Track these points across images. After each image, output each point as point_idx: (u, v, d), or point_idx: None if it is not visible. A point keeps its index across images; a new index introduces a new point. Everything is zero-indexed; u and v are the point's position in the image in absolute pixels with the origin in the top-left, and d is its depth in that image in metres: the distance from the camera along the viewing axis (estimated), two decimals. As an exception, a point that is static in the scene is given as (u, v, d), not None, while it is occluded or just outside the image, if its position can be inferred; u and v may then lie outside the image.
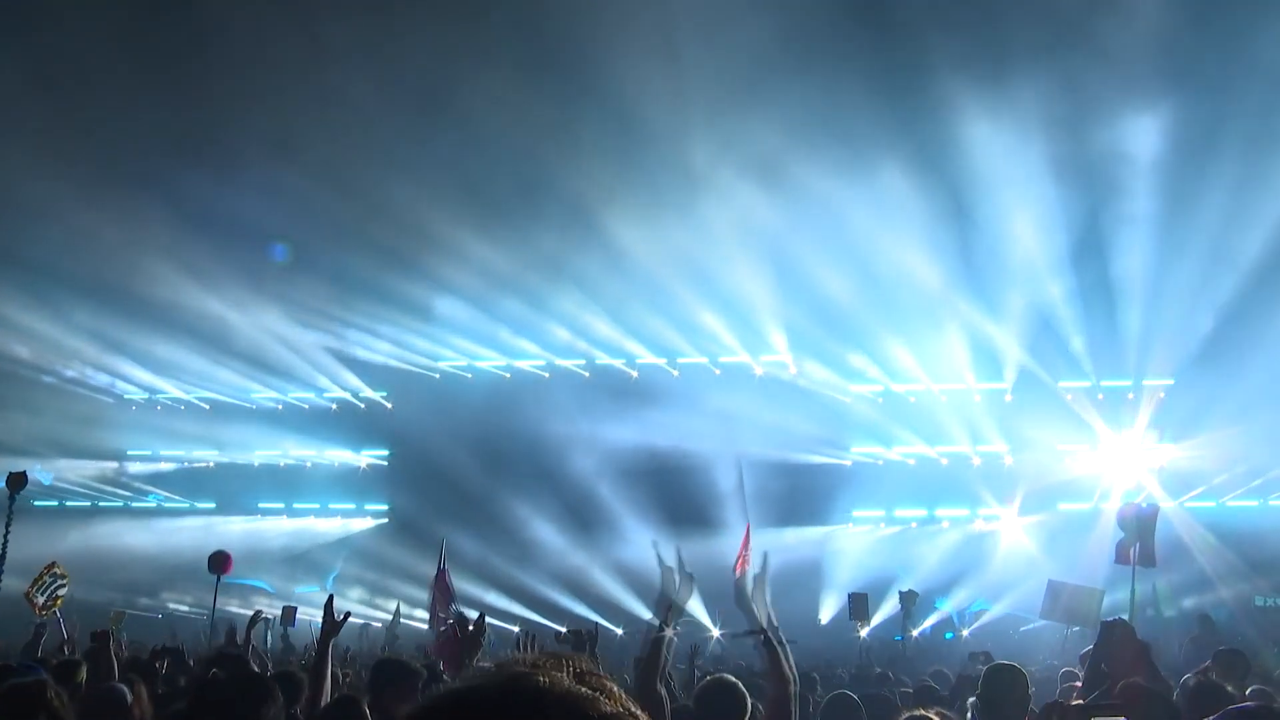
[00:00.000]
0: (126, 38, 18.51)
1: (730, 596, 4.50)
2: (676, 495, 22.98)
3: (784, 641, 4.28)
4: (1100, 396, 24.35)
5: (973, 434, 25.07)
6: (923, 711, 4.53)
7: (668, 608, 4.35)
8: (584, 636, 5.95)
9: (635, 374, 26.58)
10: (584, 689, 1.14)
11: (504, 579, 23.34)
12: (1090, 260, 21.97)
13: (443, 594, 12.48)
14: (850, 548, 24.15)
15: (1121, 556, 10.43)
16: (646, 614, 19.64)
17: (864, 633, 16.72)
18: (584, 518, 23.76)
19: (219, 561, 12.18)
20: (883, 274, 22.24)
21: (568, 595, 23.12)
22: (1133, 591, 10.21)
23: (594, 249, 22.40)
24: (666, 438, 23.59)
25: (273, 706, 3.38)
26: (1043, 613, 12.97)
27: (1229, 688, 5.62)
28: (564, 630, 9.88)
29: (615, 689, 1.18)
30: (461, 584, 18.94)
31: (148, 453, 29.91)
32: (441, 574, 12.76)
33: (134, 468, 29.83)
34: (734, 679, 4.43)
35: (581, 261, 23.02)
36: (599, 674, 1.20)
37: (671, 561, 4.38)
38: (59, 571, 9.87)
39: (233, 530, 26.88)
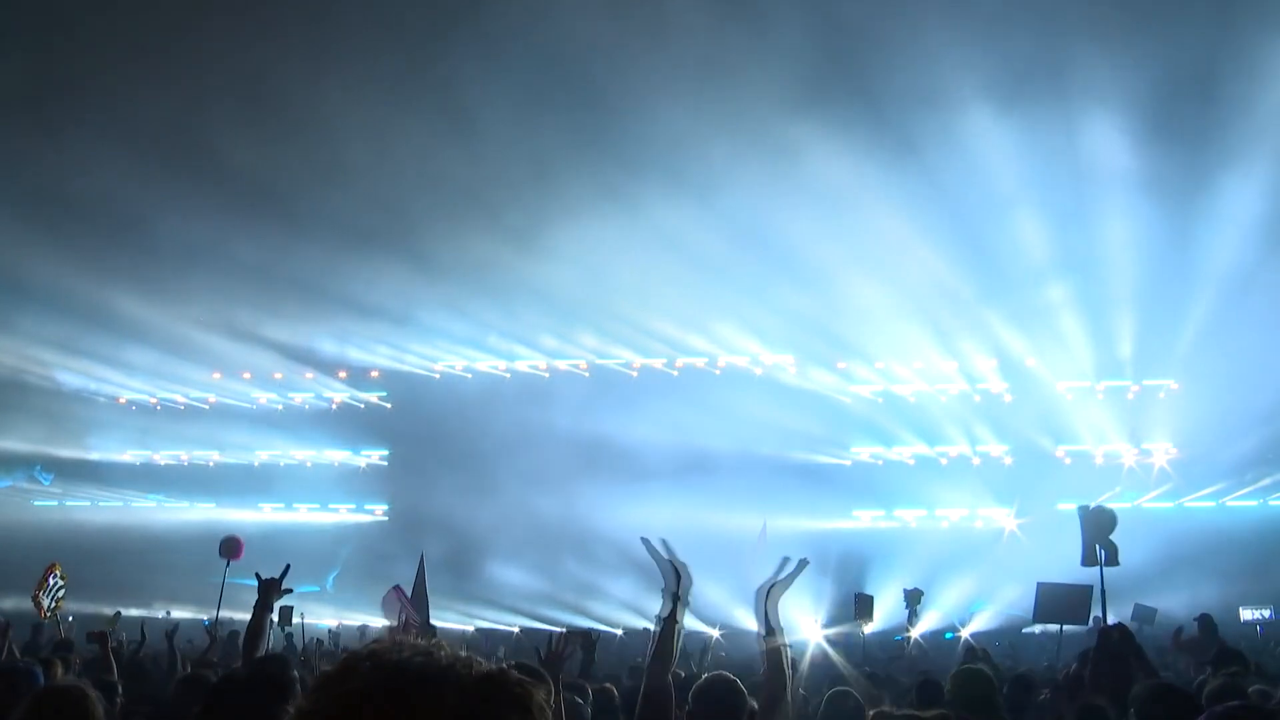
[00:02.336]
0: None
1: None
2: (675, 494, 22.93)
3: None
4: (1100, 396, 24.36)
5: (972, 434, 25.08)
6: (888, 708, 4.54)
7: (674, 597, 4.34)
8: (589, 638, 5.98)
9: (635, 374, 26.58)
10: (445, 656, 1.23)
11: (503, 579, 23.32)
12: (1091, 260, 21.98)
13: (412, 605, 12.38)
14: (849, 547, 24.11)
15: (1089, 559, 10.53)
16: (639, 620, 19.56)
17: (867, 631, 16.64)
18: (583, 518, 23.73)
19: (230, 546, 11.86)
20: (883, 274, 22.24)
21: (563, 596, 23.08)
22: (1102, 593, 10.29)
23: (593, 250, 22.39)
24: (666, 437, 23.56)
25: (290, 706, 3.35)
26: (1036, 616, 12.95)
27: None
28: (564, 631, 9.86)
29: (472, 658, 1.25)
30: (460, 585, 19.03)
31: (148, 453, 29.89)
32: (417, 586, 12.67)
33: (133, 467, 29.82)
34: (733, 676, 4.43)
35: (580, 262, 23.00)
36: (441, 643, 1.27)
37: (662, 551, 4.36)
38: (59, 574, 9.87)
39: (230, 521, 26.97)
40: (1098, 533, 10.41)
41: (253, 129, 20.40)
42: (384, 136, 21.38)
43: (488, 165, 21.54)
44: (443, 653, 1.24)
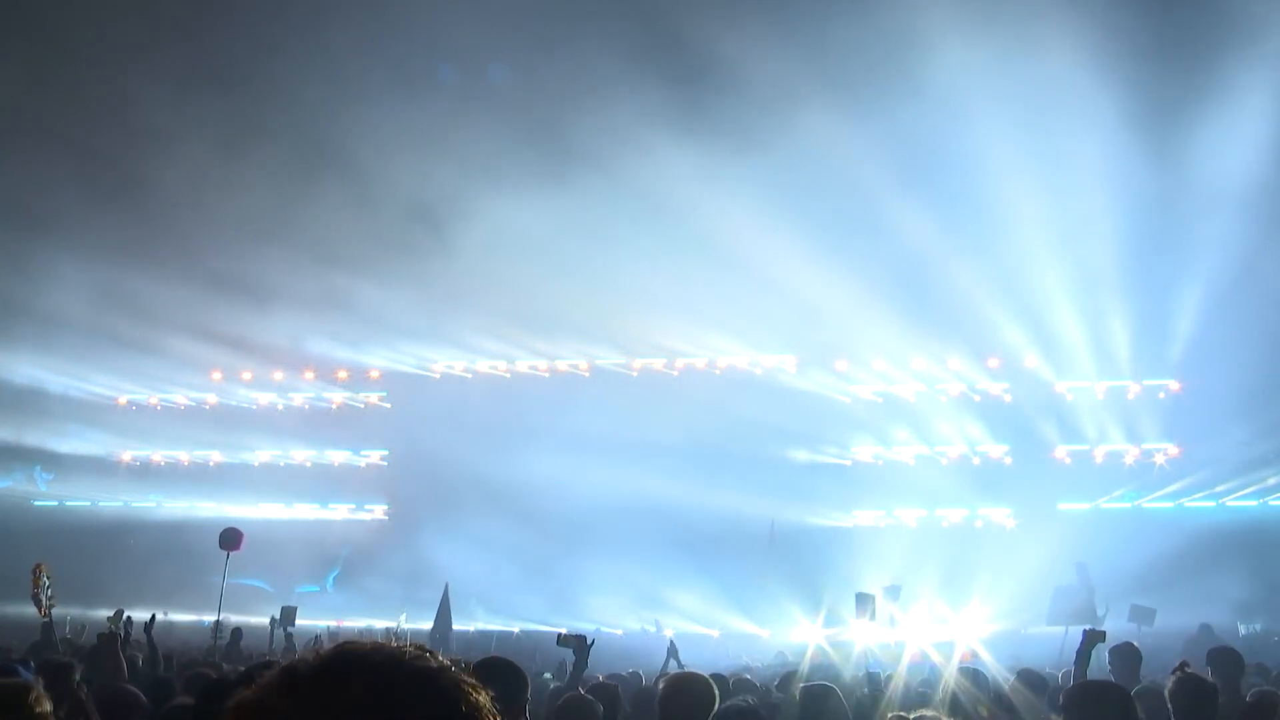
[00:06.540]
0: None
1: None
2: (677, 495, 22.92)
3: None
4: (1100, 396, 24.34)
5: (972, 434, 25.06)
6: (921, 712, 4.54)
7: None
8: (584, 641, 6.05)
9: (635, 373, 26.57)
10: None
11: (502, 580, 23.31)
12: (1091, 259, 21.96)
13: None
14: (848, 547, 24.08)
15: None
16: (637, 622, 19.57)
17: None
18: (584, 519, 23.72)
19: (231, 538, 11.75)
20: (883, 273, 22.24)
21: (564, 597, 23.07)
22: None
23: (592, 247, 22.39)
24: (668, 437, 23.54)
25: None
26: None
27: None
28: (565, 632, 9.88)
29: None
30: (459, 586, 19.06)
31: (147, 453, 29.88)
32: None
33: (133, 467, 29.82)
34: (702, 675, 4.46)
35: (579, 260, 23.01)
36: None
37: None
38: (47, 574, 9.87)
39: (230, 521, 26.97)
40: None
41: (252, 132, 20.47)
42: (384, 138, 21.41)
43: (489, 166, 21.58)
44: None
